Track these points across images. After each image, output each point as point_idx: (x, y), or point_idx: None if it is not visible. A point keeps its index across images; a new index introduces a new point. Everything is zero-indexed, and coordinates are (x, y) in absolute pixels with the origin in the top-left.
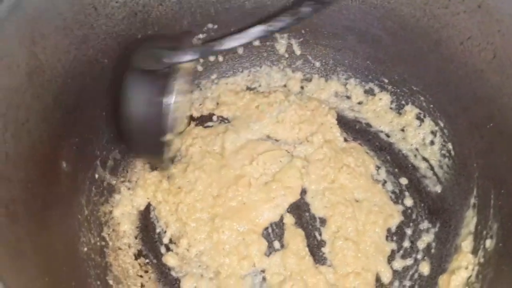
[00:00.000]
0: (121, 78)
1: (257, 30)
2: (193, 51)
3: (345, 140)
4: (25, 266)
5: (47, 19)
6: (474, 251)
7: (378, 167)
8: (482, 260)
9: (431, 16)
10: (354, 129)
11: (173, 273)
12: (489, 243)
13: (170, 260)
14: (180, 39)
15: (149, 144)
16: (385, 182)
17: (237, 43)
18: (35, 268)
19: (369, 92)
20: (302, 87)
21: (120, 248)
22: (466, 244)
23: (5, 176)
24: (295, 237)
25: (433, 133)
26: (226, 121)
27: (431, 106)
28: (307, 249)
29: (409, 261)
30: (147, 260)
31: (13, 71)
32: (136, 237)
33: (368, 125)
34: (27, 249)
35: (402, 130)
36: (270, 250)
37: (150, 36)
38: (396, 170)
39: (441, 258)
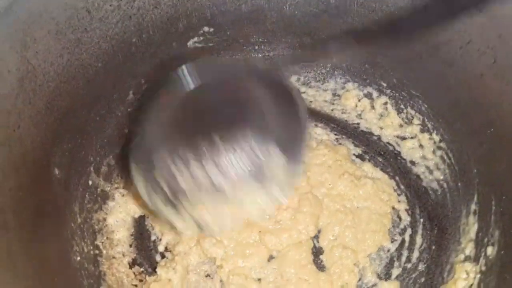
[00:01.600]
0: None
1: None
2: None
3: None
4: (17, 278)
5: (40, 23)
6: (476, 259)
7: None
8: (483, 268)
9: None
10: (353, 135)
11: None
12: (490, 250)
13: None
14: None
15: None
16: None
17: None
18: (27, 280)
19: (367, 96)
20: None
21: (114, 257)
22: (467, 251)
23: None
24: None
25: (432, 138)
26: None
27: (430, 110)
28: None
29: (408, 268)
30: (142, 269)
31: (3, 77)
32: (130, 245)
33: (368, 129)
34: (18, 260)
35: (402, 135)
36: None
37: None
38: (396, 176)
39: (441, 266)
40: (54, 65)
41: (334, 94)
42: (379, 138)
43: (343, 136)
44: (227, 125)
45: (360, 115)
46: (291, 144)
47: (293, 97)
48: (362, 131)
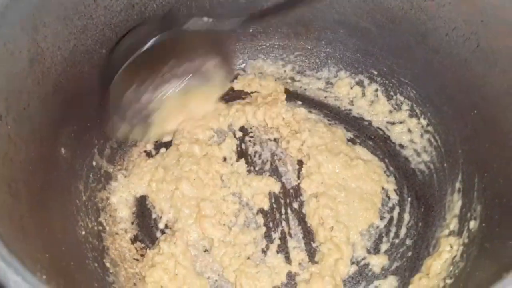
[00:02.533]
0: None
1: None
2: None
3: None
4: (28, 240)
5: (49, 8)
6: (459, 233)
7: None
8: (466, 240)
9: (418, 9)
10: (345, 120)
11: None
12: (473, 224)
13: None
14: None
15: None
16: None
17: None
18: (36, 243)
19: (359, 84)
20: (293, 79)
21: (117, 233)
22: (452, 226)
23: (8, 156)
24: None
25: (420, 123)
26: None
27: (418, 96)
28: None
29: (396, 244)
30: (143, 245)
31: (15, 57)
32: (132, 223)
33: (359, 115)
34: (29, 225)
35: (391, 120)
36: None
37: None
38: (386, 159)
39: (427, 240)
40: (62, 49)
41: (327, 82)
42: (369, 123)
43: (336, 122)
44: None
45: (352, 101)
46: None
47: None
48: (353, 116)
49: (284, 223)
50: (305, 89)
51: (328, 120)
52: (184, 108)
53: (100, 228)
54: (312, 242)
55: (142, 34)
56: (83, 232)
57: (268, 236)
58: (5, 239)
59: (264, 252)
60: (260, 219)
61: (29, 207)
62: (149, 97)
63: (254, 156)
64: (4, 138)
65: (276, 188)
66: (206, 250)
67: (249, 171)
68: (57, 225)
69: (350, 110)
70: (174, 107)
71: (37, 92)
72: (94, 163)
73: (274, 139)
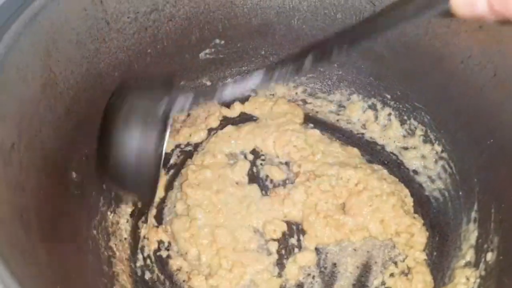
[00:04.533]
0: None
1: (255, 80)
2: (187, 100)
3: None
4: (40, 273)
5: (61, 32)
6: (476, 264)
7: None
8: (483, 273)
9: (432, 35)
10: (358, 144)
11: (179, 275)
12: (490, 256)
13: (176, 263)
14: (165, 85)
15: (139, 185)
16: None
17: (232, 95)
18: (48, 276)
19: (372, 108)
20: (305, 101)
21: (127, 259)
22: (468, 257)
23: (20, 185)
24: None
25: (434, 149)
26: None
27: (432, 121)
28: None
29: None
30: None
31: (28, 83)
32: None
33: (372, 139)
34: (41, 256)
35: (405, 146)
36: None
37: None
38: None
39: (442, 271)
40: (74, 73)
41: (339, 105)
42: (383, 147)
43: (348, 146)
44: None
45: (364, 125)
46: None
47: None
48: (366, 140)
49: (296, 250)
50: (317, 112)
51: (341, 144)
52: None
53: (111, 253)
54: None
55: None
56: (93, 258)
57: (280, 264)
58: (19, 276)
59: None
60: (273, 246)
61: (40, 237)
62: None
63: (266, 180)
64: (17, 166)
65: (289, 214)
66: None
67: (262, 195)
68: (68, 252)
69: (363, 134)
70: None
71: (49, 117)
72: (104, 186)
73: (286, 163)
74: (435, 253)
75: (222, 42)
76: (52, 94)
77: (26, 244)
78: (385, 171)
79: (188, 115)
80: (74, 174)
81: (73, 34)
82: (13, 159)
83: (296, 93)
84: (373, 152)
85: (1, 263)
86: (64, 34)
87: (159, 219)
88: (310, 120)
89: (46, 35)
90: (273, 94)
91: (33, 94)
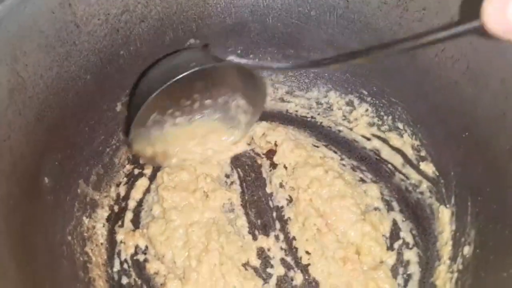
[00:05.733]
0: None
1: None
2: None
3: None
4: (9, 285)
5: (29, 36)
6: (453, 258)
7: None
8: (460, 266)
9: (406, 29)
10: (335, 140)
11: (157, 279)
12: (467, 250)
13: (153, 266)
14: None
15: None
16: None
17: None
18: (17, 284)
19: (349, 104)
20: (283, 99)
21: (103, 264)
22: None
23: None
24: None
25: (412, 144)
26: None
27: (409, 116)
28: None
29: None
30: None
31: None
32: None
33: (350, 135)
34: (9, 268)
35: (383, 140)
36: None
37: None
38: (380, 181)
39: (427, 264)
40: (44, 77)
41: (317, 103)
42: (361, 143)
43: (326, 143)
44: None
45: (342, 122)
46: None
47: (256, 75)
48: (344, 137)
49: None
50: (296, 110)
51: (318, 140)
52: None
53: (86, 259)
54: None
55: (181, 63)
56: (68, 264)
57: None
58: None
59: None
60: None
61: (9, 246)
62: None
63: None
64: None
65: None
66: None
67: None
68: (40, 260)
69: (340, 130)
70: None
71: (18, 123)
72: (79, 191)
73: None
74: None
75: (197, 41)
76: (20, 100)
77: None
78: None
79: None
80: (46, 180)
81: (41, 37)
82: None
83: (274, 92)
84: (350, 149)
85: None
86: (32, 38)
87: (136, 223)
88: (288, 118)
89: (12, 39)
90: None
91: (0, 101)
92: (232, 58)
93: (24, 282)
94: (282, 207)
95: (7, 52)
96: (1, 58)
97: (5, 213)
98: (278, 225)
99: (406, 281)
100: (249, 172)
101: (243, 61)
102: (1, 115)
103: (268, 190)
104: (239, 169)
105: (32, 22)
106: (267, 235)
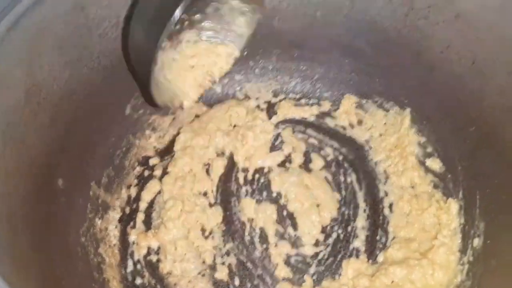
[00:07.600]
0: None
1: None
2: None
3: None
4: (29, 277)
5: (44, 38)
6: (463, 251)
7: None
8: (471, 258)
9: (411, 27)
10: (342, 139)
11: (170, 279)
12: (476, 242)
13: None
14: None
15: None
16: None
17: None
18: (38, 280)
19: (356, 103)
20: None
21: (117, 265)
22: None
23: (5, 191)
24: None
25: (419, 140)
26: None
27: (416, 114)
28: None
29: None
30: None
31: (11, 89)
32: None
33: (356, 135)
34: (30, 262)
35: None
36: None
37: None
38: None
39: None
40: (57, 79)
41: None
42: (367, 142)
43: (333, 143)
44: None
45: (348, 121)
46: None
47: None
48: (350, 136)
49: None
50: (301, 112)
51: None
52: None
53: (100, 260)
54: None
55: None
56: (83, 264)
57: None
58: (8, 279)
59: None
60: None
61: (29, 243)
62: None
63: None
64: (2, 174)
65: None
66: None
67: None
68: (57, 258)
69: (346, 129)
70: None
71: (34, 124)
72: (91, 193)
73: None
74: None
75: None
76: (36, 101)
77: (15, 249)
78: None
79: (174, 118)
80: (60, 181)
81: (55, 39)
82: None
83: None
84: (358, 147)
85: None
86: (47, 40)
87: (148, 223)
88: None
89: (28, 41)
90: (257, 98)
91: (17, 101)
92: None
93: (43, 277)
94: None
95: (24, 53)
96: (18, 59)
97: (23, 211)
98: None
99: None
100: None
101: None
102: (18, 116)
103: None
104: None
105: (47, 24)
106: None
